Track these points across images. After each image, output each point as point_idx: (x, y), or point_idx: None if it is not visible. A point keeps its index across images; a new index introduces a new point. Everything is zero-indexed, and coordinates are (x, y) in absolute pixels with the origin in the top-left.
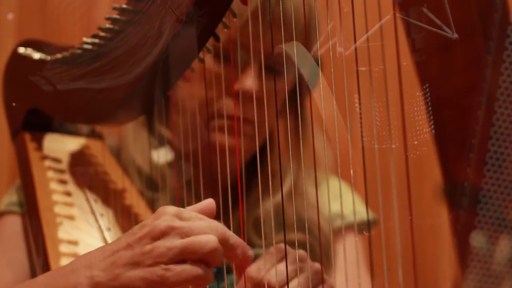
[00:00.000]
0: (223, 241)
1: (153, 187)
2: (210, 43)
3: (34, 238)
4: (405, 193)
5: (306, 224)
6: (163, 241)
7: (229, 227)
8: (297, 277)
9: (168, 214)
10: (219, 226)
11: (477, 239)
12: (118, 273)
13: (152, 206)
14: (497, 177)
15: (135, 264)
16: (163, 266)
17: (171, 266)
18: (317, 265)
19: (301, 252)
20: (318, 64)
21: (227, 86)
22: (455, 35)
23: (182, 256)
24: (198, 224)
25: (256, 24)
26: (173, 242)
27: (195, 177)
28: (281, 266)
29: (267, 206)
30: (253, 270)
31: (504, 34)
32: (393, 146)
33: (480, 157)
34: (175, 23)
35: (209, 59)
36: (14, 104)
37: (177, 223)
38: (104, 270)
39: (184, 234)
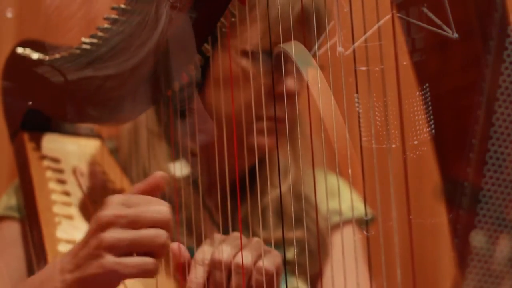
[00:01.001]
0: (167, 223)
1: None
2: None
3: (33, 239)
4: (405, 193)
5: (304, 221)
6: (112, 231)
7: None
8: (243, 249)
9: (114, 203)
10: (166, 210)
11: (477, 239)
12: (82, 272)
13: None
14: (497, 177)
15: (91, 259)
16: (114, 259)
17: (122, 260)
18: (255, 238)
19: (234, 233)
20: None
21: (268, 88)
22: (455, 35)
23: (132, 249)
24: (146, 210)
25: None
26: (122, 234)
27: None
28: (225, 245)
29: (266, 202)
30: (199, 255)
31: (504, 34)
32: (393, 146)
33: (480, 157)
34: (170, 10)
35: (246, 62)
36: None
37: (124, 211)
38: (72, 272)
39: (132, 222)
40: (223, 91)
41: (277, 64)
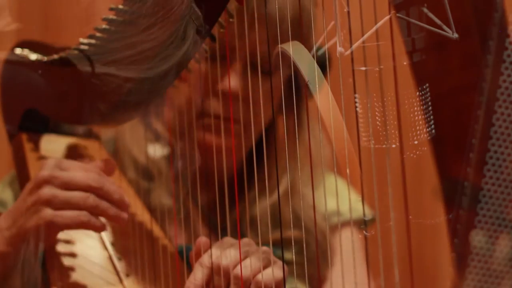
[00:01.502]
0: (98, 188)
1: (148, 177)
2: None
3: None
4: (405, 193)
5: (303, 222)
6: (47, 188)
7: (226, 225)
8: (247, 258)
9: (49, 165)
10: (95, 175)
11: (477, 239)
12: (21, 226)
13: (148, 196)
14: (497, 177)
15: (29, 213)
16: (51, 211)
17: (59, 212)
18: (264, 248)
19: (245, 239)
20: (326, 63)
21: (214, 86)
22: (455, 35)
23: (66, 206)
24: (78, 175)
25: (242, 22)
26: (57, 191)
27: (188, 174)
28: (232, 251)
29: (263, 204)
30: (204, 258)
31: (504, 34)
32: (393, 146)
33: (480, 157)
34: (196, 34)
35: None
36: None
37: (58, 172)
38: (10, 228)
39: (65, 183)
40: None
41: (275, 64)
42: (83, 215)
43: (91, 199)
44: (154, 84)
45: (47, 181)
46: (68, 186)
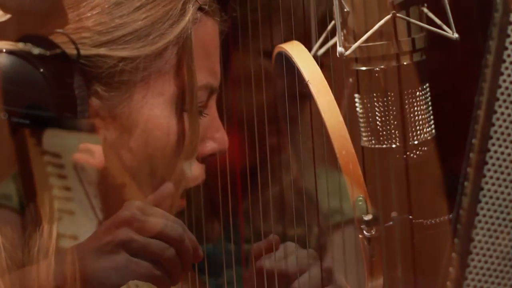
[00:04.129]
0: (178, 242)
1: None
2: None
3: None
4: (406, 192)
5: (306, 220)
6: (126, 230)
7: (229, 224)
8: (307, 271)
9: (132, 207)
10: (178, 226)
11: (478, 239)
12: (89, 265)
13: None
14: (497, 177)
15: (101, 253)
16: (127, 256)
17: (134, 259)
18: (328, 265)
19: (311, 251)
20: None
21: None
22: (455, 35)
23: (142, 252)
24: (160, 222)
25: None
26: (136, 235)
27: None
28: (293, 259)
29: (265, 202)
30: (266, 262)
31: (504, 34)
32: (393, 146)
33: (480, 157)
34: (198, 11)
35: (265, 63)
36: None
37: (141, 216)
38: (84, 265)
39: (146, 229)
40: (242, 91)
41: (277, 64)
42: (156, 269)
43: (170, 252)
44: (152, 62)
45: (127, 222)
46: (149, 232)
